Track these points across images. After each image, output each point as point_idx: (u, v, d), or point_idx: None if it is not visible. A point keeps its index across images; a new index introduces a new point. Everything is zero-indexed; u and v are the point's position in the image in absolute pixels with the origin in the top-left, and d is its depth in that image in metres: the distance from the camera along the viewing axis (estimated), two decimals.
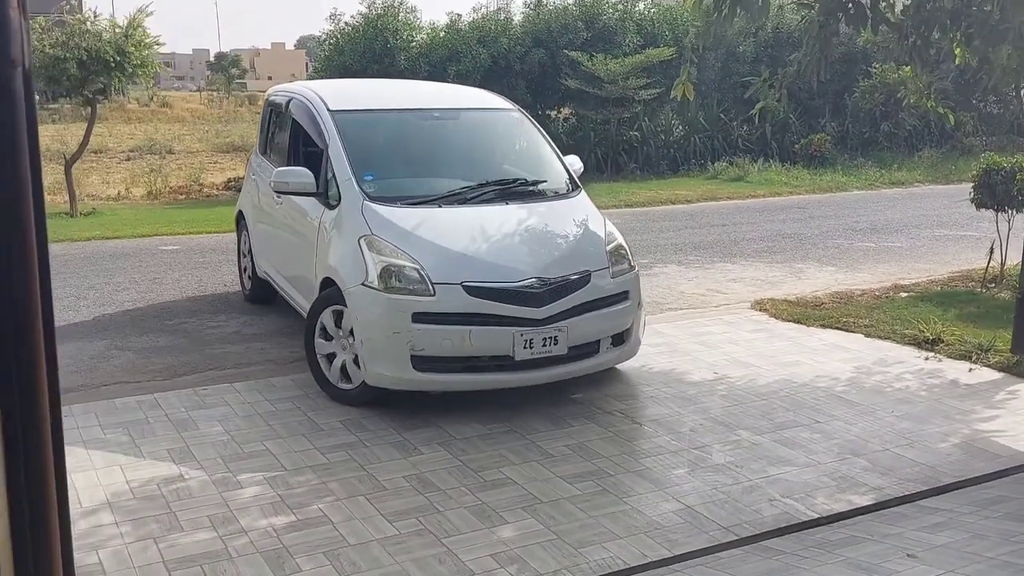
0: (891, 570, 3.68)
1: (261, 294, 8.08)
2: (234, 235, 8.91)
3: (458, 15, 20.39)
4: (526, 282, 5.48)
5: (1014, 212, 8.76)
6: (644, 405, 5.83)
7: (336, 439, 5.20)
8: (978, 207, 9.04)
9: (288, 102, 7.31)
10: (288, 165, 6.82)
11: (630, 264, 6.11)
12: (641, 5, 21.00)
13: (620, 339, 5.97)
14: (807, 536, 4.18)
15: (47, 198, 13.49)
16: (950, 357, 6.75)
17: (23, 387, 1.01)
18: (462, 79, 17.15)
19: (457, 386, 5.57)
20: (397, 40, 19.12)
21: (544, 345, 5.47)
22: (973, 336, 7.05)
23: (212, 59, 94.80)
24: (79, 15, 14.17)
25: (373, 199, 5.91)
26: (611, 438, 5.28)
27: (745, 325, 7.67)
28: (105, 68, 13.68)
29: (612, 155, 19.22)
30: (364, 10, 19.60)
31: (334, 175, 6.12)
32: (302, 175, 6.21)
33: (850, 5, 6.10)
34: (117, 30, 13.98)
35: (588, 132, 19.38)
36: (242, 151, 23.54)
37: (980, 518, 4.24)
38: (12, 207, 1.01)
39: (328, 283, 5.87)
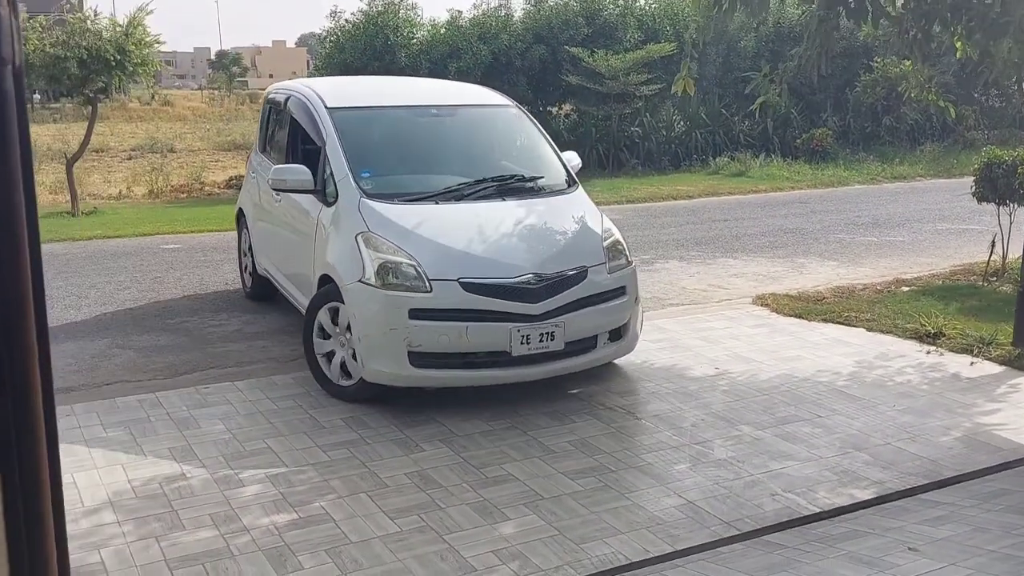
0: (893, 564, 3.68)
1: (261, 291, 8.09)
2: (235, 233, 8.91)
3: (458, 12, 20.42)
4: (522, 278, 5.49)
5: (1015, 206, 8.75)
6: (645, 401, 5.83)
7: (338, 436, 5.20)
8: (979, 201, 9.03)
9: (287, 100, 7.32)
10: (287, 163, 6.84)
11: (627, 259, 6.11)
12: (642, 0, 20.97)
13: (617, 334, 5.97)
14: (809, 530, 4.18)
15: (49, 198, 13.54)
16: (952, 351, 6.75)
17: (16, 386, 1.01)
18: (463, 76, 17.14)
19: (454, 382, 5.58)
20: (398, 37, 19.11)
21: (541, 341, 5.47)
22: (975, 330, 7.04)
23: (213, 57, 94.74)
24: (79, 14, 14.16)
25: (370, 196, 5.92)
26: (613, 434, 5.28)
27: (746, 320, 7.67)
28: (106, 67, 13.67)
29: (613, 151, 19.21)
30: (365, 7, 19.60)
31: (331, 172, 6.13)
32: (300, 172, 6.22)
33: None
34: (117, 29, 13.96)
35: (589, 128, 19.37)
36: (243, 149, 23.54)
37: (982, 511, 4.24)
38: (3, 205, 1.01)
39: (326, 280, 5.88)
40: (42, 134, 27.30)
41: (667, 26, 20.28)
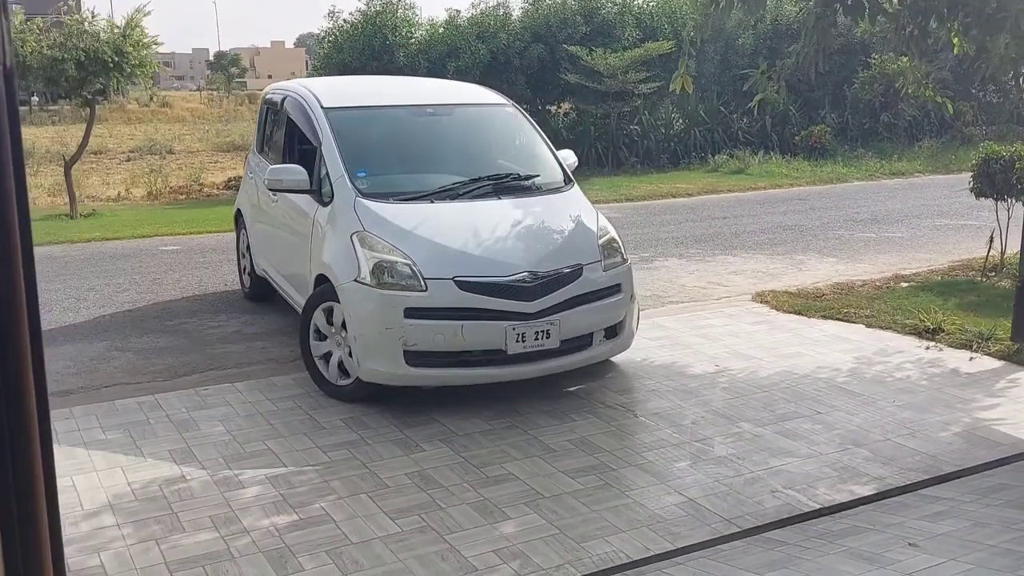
0: (893, 559, 3.68)
1: (260, 292, 8.10)
2: (234, 234, 8.91)
3: (457, 11, 20.39)
4: (518, 276, 5.49)
5: (1013, 201, 8.75)
6: (646, 398, 5.83)
7: (338, 437, 5.20)
8: (977, 196, 9.03)
9: (283, 100, 7.33)
10: (284, 163, 6.84)
11: (622, 257, 6.10)
12: None
13: (613, 332, 5.97)
14: (809, 527, 4.18)
15: (47, 200, 13.52)
16: (951, 346, 6.75)
17: (10, 387, 1.01)
18: (461, 75, 17.15)
19: (450, 380, 5.58)
20: (396, 37, 19.11)
21: (536, 339, 5.48)
22: (974, 325, 7.04)
23: (212, 58, 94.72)
24: (77, 16, 14.16)
25: (366, 195, 5.93)
26: (613, 432, 5.28)
27: (746, 317, 7.66)
28: (103, 69, 13.67)
29: (612, 149, 19.21)
30: (363, 7, 19.60)
31: (327, 172, 6.14)
32: (295, 172, 6.23)
33: None
34: (115, 30, 13.97)
35: (588, 126, 19.37)
36: (242, 150, 23.54)
37: (981, 506, 4.24)
38: None
39: (322, 280, 5.89)
40: (40, 136, 27.31)
41: (665, 24, 20.29)
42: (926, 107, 20.24)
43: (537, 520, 4.23)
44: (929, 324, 7.07)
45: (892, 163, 18.64)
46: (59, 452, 4.90)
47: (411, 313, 5.36)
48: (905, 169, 18.18)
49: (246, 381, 6.16)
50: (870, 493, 4.50)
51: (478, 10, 20.67)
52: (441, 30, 19.75)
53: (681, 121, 19.99)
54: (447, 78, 14.42)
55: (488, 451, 5.00)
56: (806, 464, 4.83)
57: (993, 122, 21.35)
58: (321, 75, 19.17)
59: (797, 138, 20.03)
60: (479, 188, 6.21)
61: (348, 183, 5.99)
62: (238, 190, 9.51)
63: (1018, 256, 7.30)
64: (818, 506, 4.37)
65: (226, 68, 73.01)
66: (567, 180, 6.65)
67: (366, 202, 5.87)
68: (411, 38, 19.46)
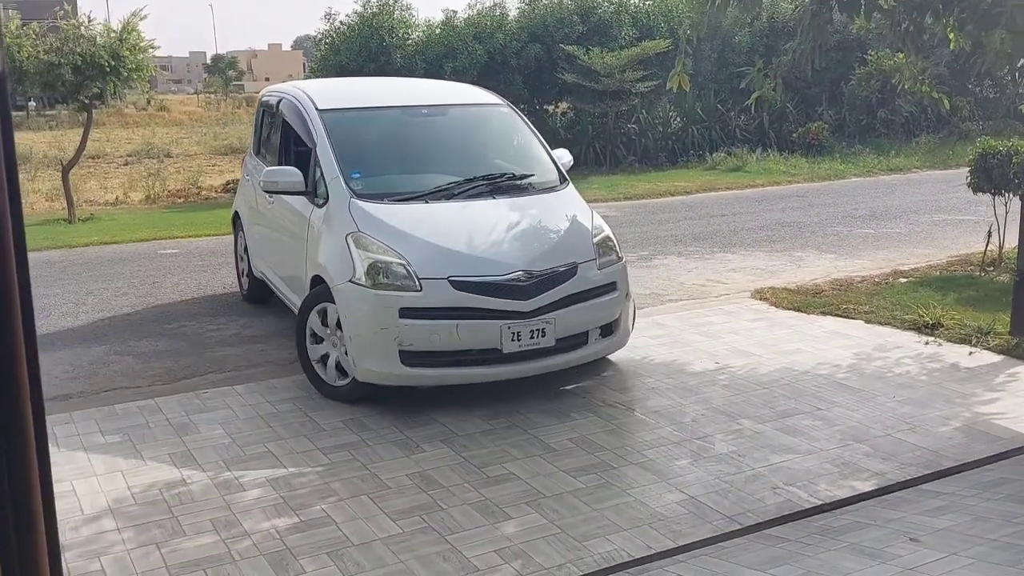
0: (894, 554, 3.68)
1: (258, 294, 8.12)
2: (232, 237, 8.91)
3: (454, 11, 20.38)
4: (512, 275, 5.50)
5: (1011, 195, 8.74)
6: (646, 396, 5.83)
7: (338, 439, 5.20)
8: (975, 191, 9.03)
9: (279, 102, 7.34)
10: (280, 165, 6.86)
11: (617, 255, 6.11)
12: None
13: (609, 330, 5.98)
14: (810, 523, 4.18)
15: (45, 205, 13.50)
16: (950, 341, 6.75)
17: (4, 391, 1.01)
18: (459, 76, 17.13)
19: (446, 380, 5.59)
20: (393, 38, 19.09)
21: (532, 337, 5.48)
22: (972, 320, 7.05)
23: (209, 61, 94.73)
24: (73, 20, 14.13)
25: (360, 196, 5.94)
26: (613, 430, 5.28)
27: (745, 314, 7.66)
28: (100, 73, 13.66)
29: (610, 148, 19.19)
30: (359, 9, 19.58)
31: (322, 173, 6.15)
32: (291, 174, 6.25)
33: None
34: (112, 34, 13.95)
35: (586, 126, 19.36)
36: (240, 153, 23.53)
37: (982, 500, 4.24)
38: None
39: (318, 281, 5.90)
40: (38, 141, 27.30)
41: (661, 23, 20.27)
42: (923, 103, 20.23)
43: (538, 519, 4.23)
44: (928, 319, 7.07)
45: (889, 159, 18.64)
46: (59, 457, 4.90)
47: (406, 313, 5.37)
48: (902, 165, 18.17)
49: (246, 384, 6.16)
50: (871, 489, 4.50)
51: (475, 11, 20.66)
52: (438, 31, 19.73)
53: (678, 119, 19.99)
54: (444, 79, 14.42)
55: (489, 451, 5.00)
56: (807, 460, 4.83)
57: (990, 117, 21.34)
58: (318, 77, 19.17)
59: (794, 135, 20.02)
60: (474, 188, 6.22)
61: (343, 184, 6.00)
62: (236, 193, 9.50)
63: (1016, 250, 7.30)
64: (819, 502, 4.37)
65: (223, 71, 73.07)
66: (562, 179, 6.65)
67: (361, 203, 5.88)
68: (408, 39, 19.44)
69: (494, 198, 6.18)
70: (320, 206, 6.11)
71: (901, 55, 7.68)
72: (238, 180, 11.23)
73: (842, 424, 5.30)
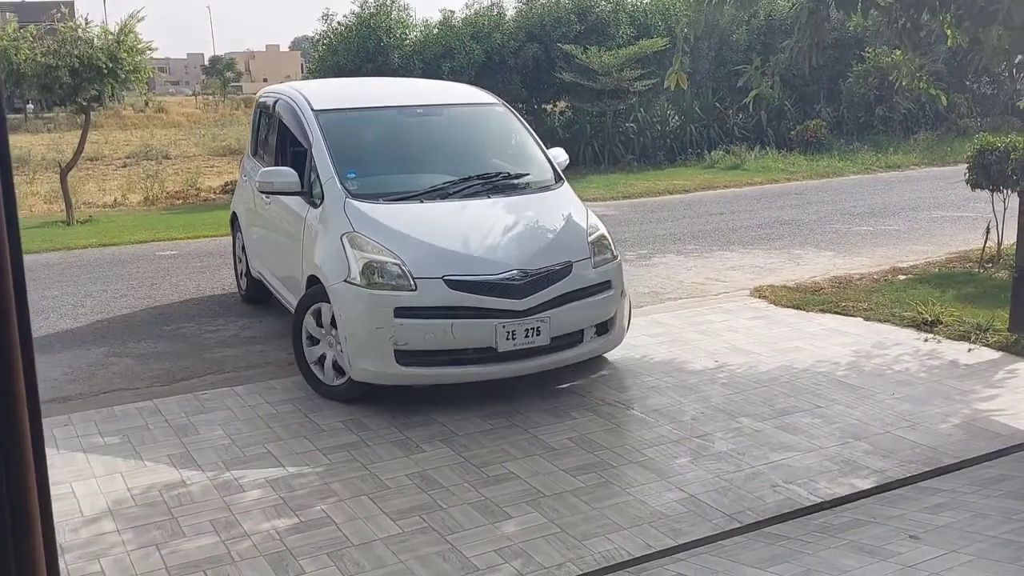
0: (894, 552, 3.68)
1: (257, 294, 8.12)
2: (231, 238, 8.91)
3: (451, 11, 20.38)
4: (507, 274, 5.50)
5: (1009, 192, 8.75)
6: (645, 395, 5.83)
7: (338, 439, 5.20)
8: (973, 188, 9.02)
9: (276, 103, 7.35)
10: (276, 165, 6.86)
11: (612, 254, 6.11)
12: None
13: (604, 328, 5.98)
14: (810, 521, 4.18)
15: (43, 207, 13.49)
16: (949, 338, 6.75)
17: (1, 397, 1.01)
18: (456, 76, 17.12)
19: (441, 379, 5.59)
20: (390, 38, 19.08)
21: (527, 336, 5.49)
22: (971, 316, 7.05)
23: (207, 63, 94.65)
24: (70, 22, 14.14)
25: (355, 196, 5.94)
26: (613, 429, 5.28)
27: (744, 312, 7.66)
28: (98, 75, 13.66)
29: (609, 147, 19.19)
30: (357, 9, 19.57)
31: (317, 174, 6.16)
32: (286, 175, 6.26)
33: None
34: (109, 36, 13.95)
35: (584, 125, 19.35)
36: (238, 154, 23.51)
37: (981, 497, 4.24)
38: None
39: (314, 281, 5.91)
40: (36, 144, 27.30)
41: (659, 21, 20.27)
42: (921, 100, 20.23)
43: (538, 519, 4.23)
44: (927, 316, 7.08)
45: (888, 156, 18.64)
46: (58, 459, 4.90)
47: (401, 312, 5.37)
48: (901, 162, 18.18)
49: (245, 385, 6.15)
50: (870, 486, 4.50)
51: (472, 10, 20.66)
52: (435, 31, 19.72)
53: (677, 118, 19.98)
54: (442, 79, 14.41)
55: (488, 450, 5.00)
56: (806, 458, 4.83)
57: (987, 114, 21.33)
58: (316, 78, 19.16)
59: (793, 133, 20.03)
60: (469, 187, 6.22)
61: (338, 184, 6.01)
62: (234, 194, 9.51)
63: (1014, 247, 7.30)
64: (819, 500, 4.37)
65: (221, 72, 73.03)
66: (557, 178, 6.66)
67: (356, 203, 5.89)
68: (405, 39, 19.43)
69: (489, 197, 6.18)
70: (316, 206, 6.11)
71: (899, 52, 7.67)
72: (236, 181, 11.23)
73: (841, 422, 5.30)
